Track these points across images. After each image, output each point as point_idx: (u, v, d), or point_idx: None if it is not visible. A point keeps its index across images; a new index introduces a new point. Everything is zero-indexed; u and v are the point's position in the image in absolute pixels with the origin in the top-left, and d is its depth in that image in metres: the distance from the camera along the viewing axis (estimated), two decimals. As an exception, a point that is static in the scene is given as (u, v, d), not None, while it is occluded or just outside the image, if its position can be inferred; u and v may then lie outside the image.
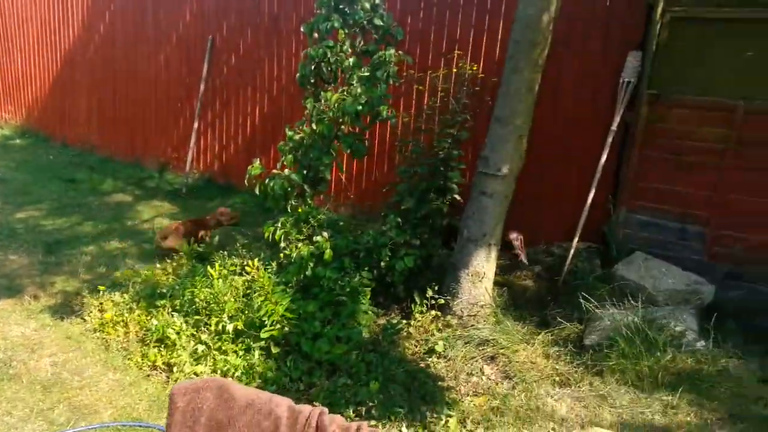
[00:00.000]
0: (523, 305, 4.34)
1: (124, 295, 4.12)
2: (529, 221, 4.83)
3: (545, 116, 4.70)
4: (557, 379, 3.53)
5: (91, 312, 3.99)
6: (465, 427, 3.12)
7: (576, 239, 4.49)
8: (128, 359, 3.58)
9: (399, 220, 4.38)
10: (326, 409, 1.64)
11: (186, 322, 3.75)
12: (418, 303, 4.12)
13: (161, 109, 7.69)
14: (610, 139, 4.53)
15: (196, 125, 7.08)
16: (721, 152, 4.19)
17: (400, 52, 4.35)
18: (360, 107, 4.09)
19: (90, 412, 3.10)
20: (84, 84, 8.56)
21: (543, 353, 3.77)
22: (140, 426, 2.95)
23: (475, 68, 4.95)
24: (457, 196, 4.64)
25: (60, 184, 6.97)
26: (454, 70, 5.00)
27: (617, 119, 4.50)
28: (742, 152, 4.12)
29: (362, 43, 4.50)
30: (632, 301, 3.97)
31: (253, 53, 6.72)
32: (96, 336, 3.80)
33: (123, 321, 3.87)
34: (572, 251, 4.46)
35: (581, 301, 4.11)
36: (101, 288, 4.20)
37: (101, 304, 4.05)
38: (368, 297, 4.01)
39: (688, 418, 3.15)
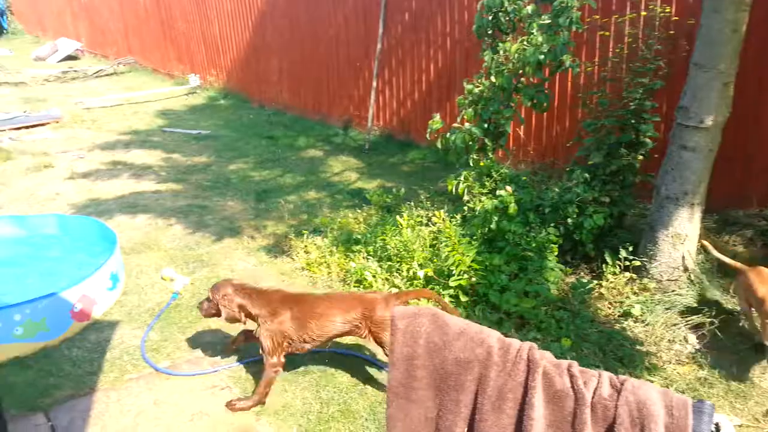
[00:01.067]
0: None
1: (324, 239, 4.56)
2: (739, 180, 4.40)
3: (756, 60, 4.18)
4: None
5: (297, 253, 4.49)
6: (665, 392, 3.03)
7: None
8: (331, 297, 4.00)
9: (586, 175, 4.25)
10: (535, 345, 1.72)
11: (380, 266, 4.06)
12: (610, 263, 3.99)
13: (342, 69, 8.14)
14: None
15: (374, 83, 7.41)
16: None
17: (582, -5, 4.12)
18: (542, 57, 3.98)
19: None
20: (274, 47, 9.31)
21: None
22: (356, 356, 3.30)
23: (667, 10, 4.53)
24: (651, 151, 4.37)
25: (260, 141, 7.77)
26: (643, 13, 4.61)
27: None
28: None
29: (541, -12, 4.33)
30: None
31: (426, 9, 6.78)
32: (304, 274, 4.28)
33: (325, 262, 4.30)
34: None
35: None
36: (304, 232, 4.69)
37: (305, 246, 4.53)
38: (555, 254, 3.98)
39: None
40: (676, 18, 4.56)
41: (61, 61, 14.50)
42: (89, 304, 3.62)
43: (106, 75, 12.72)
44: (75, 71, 12.68)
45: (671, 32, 4.57)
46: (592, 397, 1.63)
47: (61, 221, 4.73)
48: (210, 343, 3.48)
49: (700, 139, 3.69)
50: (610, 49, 5.08)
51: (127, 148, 7.39)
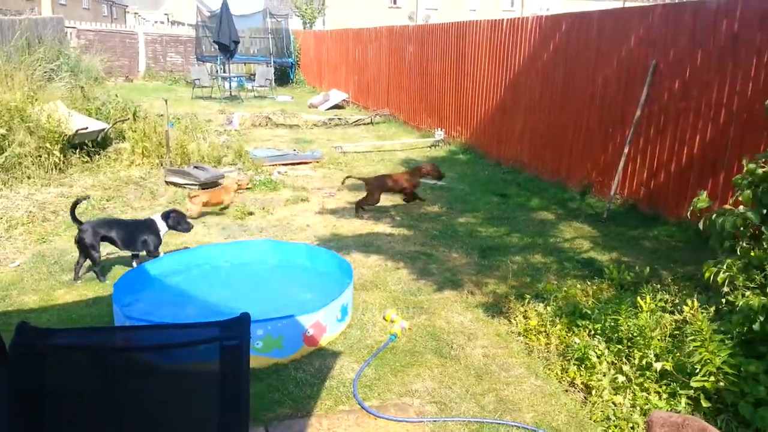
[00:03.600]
0: None
1: (547, 307, 4.33)
2: None
3: None
4: None
5: (516, 316, 4.33)
6: None
7: None
8: (548, 369, 3.75)
9: None
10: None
11: (608, 348, 3.70)
12: None
13: (591, 132, 7.83)
14: None
15: (626, 150, 6.94)
16: None
17: None
18: None
19: (514, 408, 3.35)
20: (521, 105, 9.39)
21: None
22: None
23: None
24: None
25: (492, 197, 7.82)
26: None
27: None
28: None
29: None
30: None
31: (701, 77, 6.19)
32: (520, 339, 4.10)
33: (545, 331, 4.07)
34: None
35: None
36: (526, 296, 4.51)
37: (525, 311, 4.35)
38: (839, 374, 3.19)
39: None
40: None
41: (329, 109, 16.64)
42: (320, 331, 3.93)
43: (364, 124, 14.18)
44: (339, 119, 14.39)
45: None
46: None
47: (309, 251, 5.28)
48: (418, 392, 3.50)
49: None
50: None
51: (371, 191, 8.05)
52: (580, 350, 3.72)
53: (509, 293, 4.77)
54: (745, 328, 3.49)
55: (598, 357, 3.64)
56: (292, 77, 23.33)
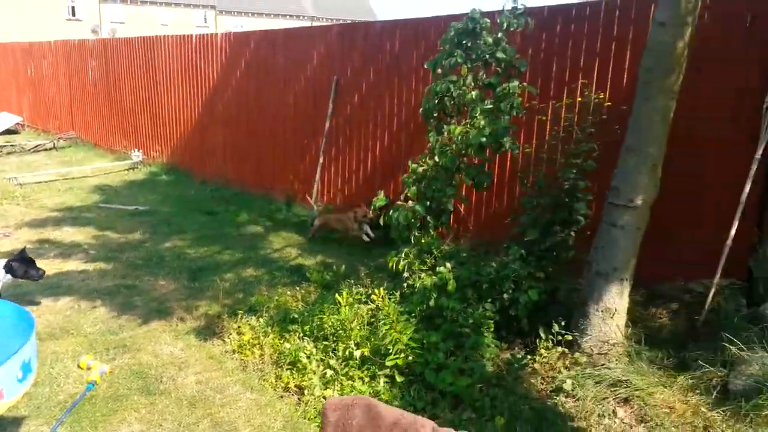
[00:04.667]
0: (659, 345, 4.07)
1: (260, 319, 4.40)
2: (666, 255, 4.56)
3: (680, 144, 4.46)
4: (699, 425, 3.26)
5: (230, 334, 4.29)
6: (599, 472, 2.97)
7: (718, 275, 4.14)
8: (263, 380, 3.80)
9: (522, 252, 4.32)
10: (466, 435, 1.66)
11: (316, 346, 3.92)
12: (544, 338, 4.00)
13: (289, 145, 8.22)
14: (754, 168, 4.19)
15: (321, 160, 7.48)
16: None
17: (523, 83, 4.36)
18: (484, 139, 4.14)
19: (230, 428, 3.32)
20: (218, 123, 9.38)
21: (682, 398, 3.50)
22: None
23: (601, 96, 4.83)
24: (583, 229, 4.50)
25: (200, 216, 7.62)
26: (579, 99, 4.90)
27: (762, 147, 4.15)
28: None
29: (485, 76, 4.56)
30: (786, 344, 3.59)
31: (374, 91, 7.02)
32: (235, 357, 4.08)
33: (259, 344, 4.12)
34: (713, 288, 4.12)
35: (724, 343, 3.79)
36: (239, 312, 4.51)
37: (239, 327, 4.35)
38: (491, 329, 3.97)
39: None
40: (609, 104, 4.85)
41: (-1, 135, 14.11)
42: (-7, 396, 3.30)
43: (45, 149, 12.42)
44: (12, 145, 12.35)
45: (604, 117, 4.84)
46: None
47: (-26, 303, 4.39)
48: (126, 437, 3.21)
49: (629, 217, 3.83)
50: (547, 132, 5.33)
51: (58, 226, 7.09)
52: (291, 354, 3.87)
53: (222, 312, 4.71)
54: (424, 306, 4.08)
55: (308, 357, 3.84)
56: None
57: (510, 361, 3.85)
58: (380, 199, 4.52)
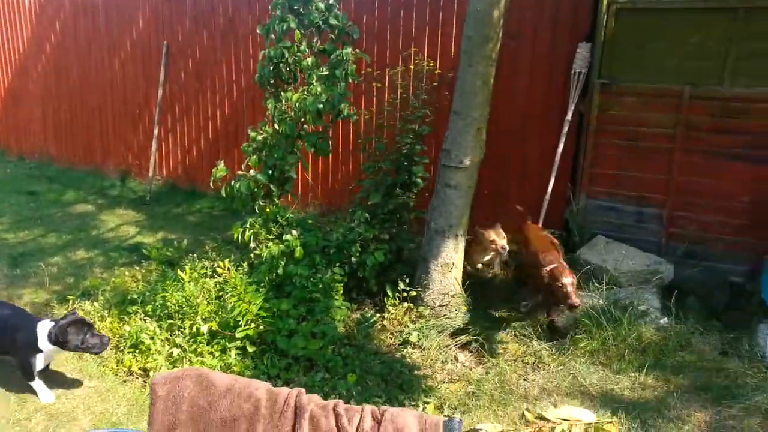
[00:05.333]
0: (493, 292, 4.47)
1: (94, 303, 4.08)
2: (495, 212, 4.97)
3: (502, 109, 4.85)
4: (529, 361, 3.66)
5: (60, 323, 3.93)
6: (442, 412, 3.21)
7: (540, 226, 4.64)
8: (103, 366, 3.56)
9: (367, 215, 4.45)
10: (303, 390, 1.71)
11: (159, 326, 3.74)
12: (391, 296, 4.19)
13: (119, 116, 7.58)
14: (565, 129, 4.70)
15: (156, 131, 7.01)
16: (671, 137, 4.38)
17: (357, 50, 4.42)
18: (321, 105, 4.15)
19: (68, 419, 3.08)
20: (35, 96, 8.38)
21: (515, 338, 3.89)
22: (119, 432, 2.94)
23: (432, 64, 5.07)
24: (422, 190, 4.75)
25: (19, 198, 6.80)
26: (411, 66, 5.10)
27: (571, 109, 4.66)
28: (690, 136, 4.33)
29: (319, 42, 4.55)
30: (596, 284, 4.15)
31: (210, 57, 6.69)
32: (67, 346, 3.75)
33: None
34: (536, 238, 4.59)
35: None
36: (70, 298, 4.15)
37: (71, 314, 3.99)
38: (341, 292, 4.07)
39: (656, 392, 3.30)
40: (440, 71, 5.09)
41: None
42: None
43: None
44: None
45: (435, 84, 5.10)
46: (356, 433, 1.64)
47: None
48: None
49: (460, 177, 4.10)
50: (385, 99, 5.49)
51: None
52: (132, 337, 3.65)
53: (50, 300, 4.30)
54: (273, 274, 4.05)
55: (152, 338, 3.65)
56: None
57: (360, 320, 3.99)
58: (220, 169, 4.35)
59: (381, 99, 5.55)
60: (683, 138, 4.35)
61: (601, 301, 3.94)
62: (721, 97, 4.20)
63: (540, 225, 4.67)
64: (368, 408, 1.70)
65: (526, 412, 3.15)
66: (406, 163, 4.74)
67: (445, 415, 3.15)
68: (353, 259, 4.30)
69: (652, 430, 2.98)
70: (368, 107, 5.53)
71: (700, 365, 3.47)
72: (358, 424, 1.65)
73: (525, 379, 3.48)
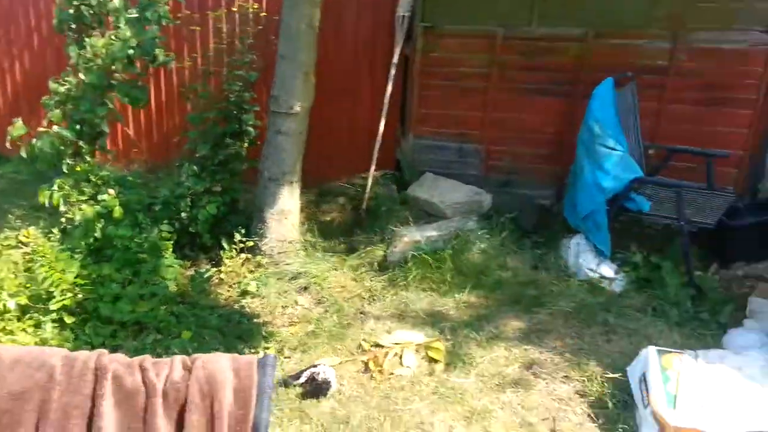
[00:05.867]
0: (331, 236, 4.53)
1: None
2: (330, 156, 5.00)
3: (332, 53, 4.82)
4: (365, 296, 3.80)
5: None
6: (283, 354, 3.24)
7: (372, 168, 4.72)
8: None
9: (195, 168, 4.25)
10: (106, 351, 1.61)
11: (-43, 308, 3.30)
12: (227, 249, 4.09)
13: None
14: (393, 72, 4.78)
15: (-61, 89, 6.00)
16: (487, 76, 4.66)
17: (169, -10, 4.11)
18: (131, 51, 3.82)
19: None
20: None
21: (352, 276, 4.01)
22: None
23: (255, 7, 4.85)
24: (255, 139, 4.61)
25: None
26: (234, 9, 4.85)
27: (397, 52, 4.73)
28: (503, 75, 4.63)
29: (127, -19, 4.14)
30: (426, 217, 4.37)
31: (3, 1, 5.80)
32: None
33: None
34: (370, 180, 4.70)
35: (384, 223, 4.42)
36: None
37: None
38: (171, 250, 3.88)
39: (477, 309, 3.61)
40: (265, 14, 4.88)
41: None
42: None
43: None
44: None
45: (260, 27, 4.89)
46: (164, 385, 1.58)
47: None
48: None
49: (291, 124, 4.03)
50: (211, 45, 5.16)
51: None
52: None
53: None
54: (91, 239, 3.73)
55: (-54, 322, 3.22)
56: None
57: (194, 277, 3.85)
58: (17, 127, 3.84)
59: (206, 45, 5.22)
60: (497, 77, 4.64)
61: (429, 233, 4.17)
62: (529, 37, 4.53)
63: (373, 167, 4.77)
64: (178, 358, 1.64)
65: (362, 342, 3.31)
66: (235, 112, 4.56)
67: (285, 357, 3.20)
68: (183, 214, 4.10)
69: (473, 341, 3.27)
70: (192, 53, 5.19)
71: (514, 281, 3.84)
72: (167, 375, 1.59)
73: (362, 312, 3.61)
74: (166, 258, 3.79)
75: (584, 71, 4.43)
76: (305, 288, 3.86)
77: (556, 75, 4.54)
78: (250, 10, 4.79)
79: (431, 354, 3.15)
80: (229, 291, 3.84)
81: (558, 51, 4.51)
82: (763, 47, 4.12)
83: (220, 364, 1.62)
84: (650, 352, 2.79)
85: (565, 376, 3.00)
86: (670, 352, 2.79)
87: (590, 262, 3.86)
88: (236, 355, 1.68)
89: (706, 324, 3.38)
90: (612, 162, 3.76)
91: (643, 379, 2.69)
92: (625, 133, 4.02)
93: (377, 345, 3.26)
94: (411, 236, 4.20)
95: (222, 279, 3.92)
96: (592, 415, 2.75)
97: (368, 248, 4.28)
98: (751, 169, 4.37)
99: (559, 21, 4.45)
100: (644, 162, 4.20)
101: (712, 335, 3.28)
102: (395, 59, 4.77)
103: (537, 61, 4.57)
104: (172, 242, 3.90)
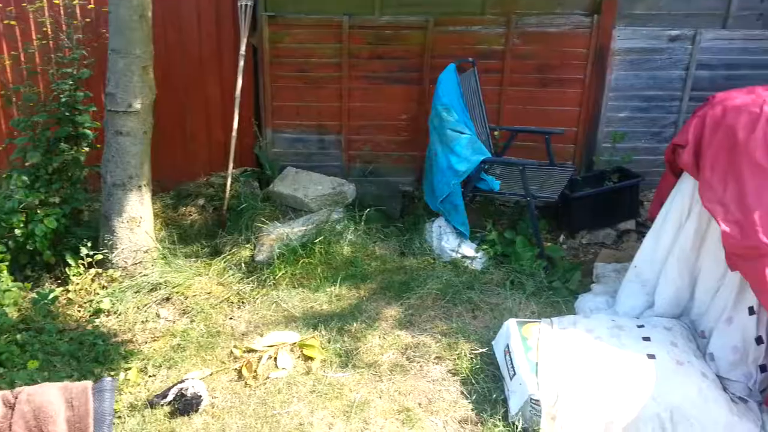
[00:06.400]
0: (192, 240, 4.31)
1: None
2: (183, 156, 4.74)
3: (175, 49, 4.57)
4: (234, 300, 3.67)
5: None
6: (147, 373, 3.04)
7: (230, 166, 4.54)
8: None
9: (25, 178, 3.82)
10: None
11: None
12: (73, 265, 3.73)
13: None
14: (241, 64, 4.61)
15: None
16: (338, 65, 4.66)
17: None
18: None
19: None
20: None
21: (218, 281, 3.84)
22: None
23: (80, -2, 4.45)
24: (95, 142, 4.24)
25: None
26: (56, 2, 4.40)
27: (243, 43, 4.57)
28: (353, 63, 4.67)
29: None
30: (291, 213, 4.30)
31: None
32: None
33: None
34: (229, 178, 4.51)
35: (248, 222, 4.29)
36: None
37: None
38: (6, 272, 3.47)
39: (349, 301, 3.62)
40: (93, 6, 4.48)
41: None
42: None
43: None
44: None
45: (88, 20, 4.48)
46: (-5, 428, 1.41)
47: None
48: None
49: (132, 123, 3.74)
50: (34, 41, 4.63)
51: None
52: None
53: None
54: None
55: None
56: None
57: (36, 300, 3.47)
58: None
59: (30, 42, 4.69)
60: (348, 66, 4.66)
61: (296, 228, 4.12)
62: (374, 26, 4.59)
63: (231, 164, 4.59)
64: (-2, 396, 1.47)
65: (233, 350, 3.20)
66: (68, 114, 4.15)
67: (150, 376, 3.00)
68: (17, 231, 3.68)
69: (348, 333, 3.29)
70: (12, 52, 4.64)
71: (383, 268, 3.92)
72: (-10, 416, 1.42)
73: (231, 318, 3.49)
74: (2, 281, 3.39)
75: (428, 58, 4.60)
76: (167, 299, 3.64)
77: (404, 62, 4.67)
78: (75, 2, 4.38)
79: (306, 352, 3.13)
80: (80, 311, 3.51)
81: (402, 39, 4.62)
82: (585, 30, 4.55)
83: (48, 396, 1.48)
84: (510, 324, 2.98)
85: (438, 357, 3.12)
86: (529, 322, 3.01)
87: (452, 244, 4.05)
88: (68, 383, 1.55)
89: (558, 291, 3.69)
90: (462, 145, 3.95)
91: (508, 351, 2.87)
92: (472, 116, 4.25)
93: (250, 350, 3.17)
94: (277, 233, 4.13)
95: (71, 299, 3.57)
96: (465, 393, 2.89)
97: (233, 250, 4.13)
98: (585, 144, 4.83)
99: (401, 9, 4.55)
100: (491, 143, 4.48)
101: (565, 302, 3.59)
102: (242, 50, 4.61)
103: (384, 49, 4.65)
104: (6, 263, 3.49)
